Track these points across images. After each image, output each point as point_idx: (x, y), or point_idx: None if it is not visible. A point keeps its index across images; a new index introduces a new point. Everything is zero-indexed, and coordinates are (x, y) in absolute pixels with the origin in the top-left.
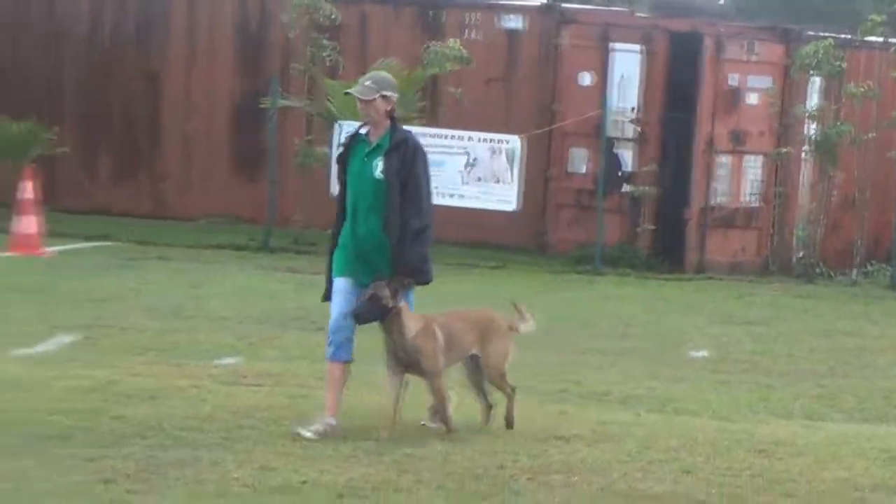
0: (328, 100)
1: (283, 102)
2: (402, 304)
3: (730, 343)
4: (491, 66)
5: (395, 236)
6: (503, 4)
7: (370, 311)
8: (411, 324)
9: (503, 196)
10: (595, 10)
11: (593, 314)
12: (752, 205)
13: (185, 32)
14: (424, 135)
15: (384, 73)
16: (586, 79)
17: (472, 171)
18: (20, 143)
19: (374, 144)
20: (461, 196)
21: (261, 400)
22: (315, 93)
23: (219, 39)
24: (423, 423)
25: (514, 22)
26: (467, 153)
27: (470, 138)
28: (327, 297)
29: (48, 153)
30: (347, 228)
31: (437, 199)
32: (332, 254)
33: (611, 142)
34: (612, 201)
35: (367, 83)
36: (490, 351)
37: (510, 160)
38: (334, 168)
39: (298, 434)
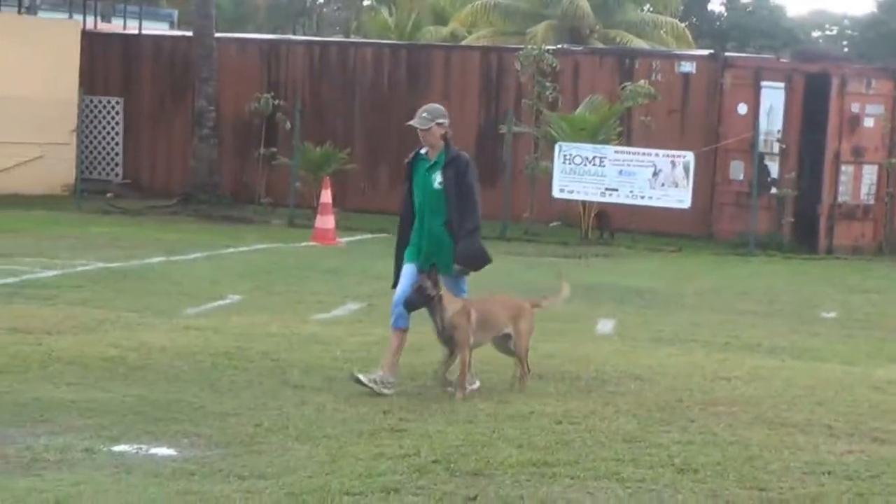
0: (549, 126)
1: (516, 129)
2: (443, 291)
3: (853, 306)
4: (671, 100)
5: (455, 235)
6: (680, 54)
7: (418, 300)
8: (450, 306)
9: (680, 197)
10: (749, 57)
11: (748, 285)
12: (868, 202)
13: (442, 77)
14: (622, 152)
15: (436, 105)
16: (743, 109)
17: (657, 179)
18: (320, 162)
19: (432, 161)
20: (649, 198)
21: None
22: (540, 122)
23: (468, 82)
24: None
25: (688, 67)
26: (653, 165)
27: (655, 154)
28: (395, 284)
29: (341, 169)
30: (416, 228)
31: (629, 201)
32: (398, 249)
33: (761, 156)
34: (762, 200)
35: (424, 115)
36: (519, 330)
37: (685, 170)
38: (558, 175)
39: (356, 377)
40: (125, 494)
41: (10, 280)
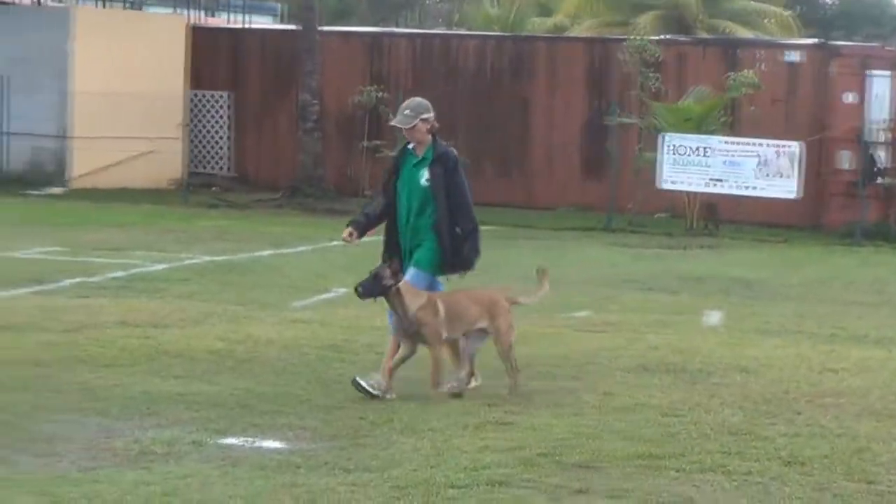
0: (654, 118)
1: (621, 120)
2: (403, 282)
3: None
4: (776, 89)
5: (445, 234)
6: (785, 43)
7: (371, 288)
8: (414, 300)
9: (787, 187)
10: (856, 45)
11: (855, 276)
12: None
13: (546, 68)
14: (727, 142)
15: (419, 99)
16: (849, 97)
17: (763, 169)
18: None
19: (419, 157)
20: (754, 188)
21: (604, 343)
22: (644, 112)
23: (572, 73)
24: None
25: (794, 56)
26: (758, 156)
27: (760, 144)
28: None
29: None
30: (400, 225)
31: (735, 192)
32: (387, 245)
33: (869, 145)
34: (870, 190)
35: (406, 112)
36: (497, 327)
37: (792, 160)
38: (663, 166)
39: (356, 380)
40: (231, 487)
41: (119, 274)
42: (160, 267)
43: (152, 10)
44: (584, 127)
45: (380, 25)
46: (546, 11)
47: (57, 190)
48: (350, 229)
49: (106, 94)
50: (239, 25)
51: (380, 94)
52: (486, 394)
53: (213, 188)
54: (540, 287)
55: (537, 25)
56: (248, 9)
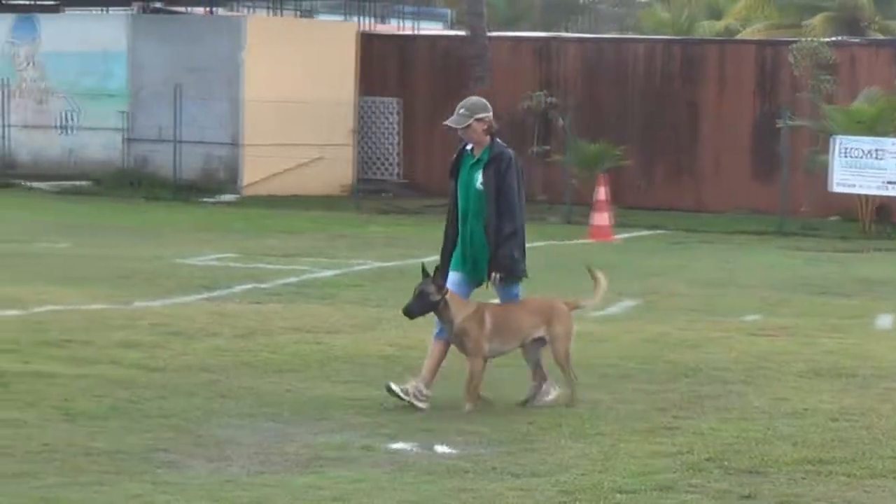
0: (826, 120)
1: (792, 123)
2: (449, 294)
3: None
4: None
5: (491, 239)
6: None
7: (419, 306)
8: (460, 311)
9: None
10: None
11: None
12: None
13: (716, 71)
14: None
15: (475, 99)
16: None
17: None
18: (595, 158)
19: (476, 159)
20: None
21: (776, 347)
22: (817, 115)
23: (742, 76)
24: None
25: None
26: None
27: None
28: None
29: (616, 165)
30: (460, 231)
31: None
32: (443, 253)
33: None
34: None
35: (461, 111)
36: (554, 333)
37: None
38: (836, 169)
39: (389, 386)
40: (401, 492)
41: (291, 280)
42: (331, 273)
43: (323, 17)
44: (753, 130)
45: (551, 30)
46: (716, 14)
47: (229, 197)
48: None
49: (277, 101)
50: (409, 32)
51: (550, 100)
52: (654, 398)
53: (384, 194)
54: (597, 285)
55: (707, 29)
56: (418, 15)
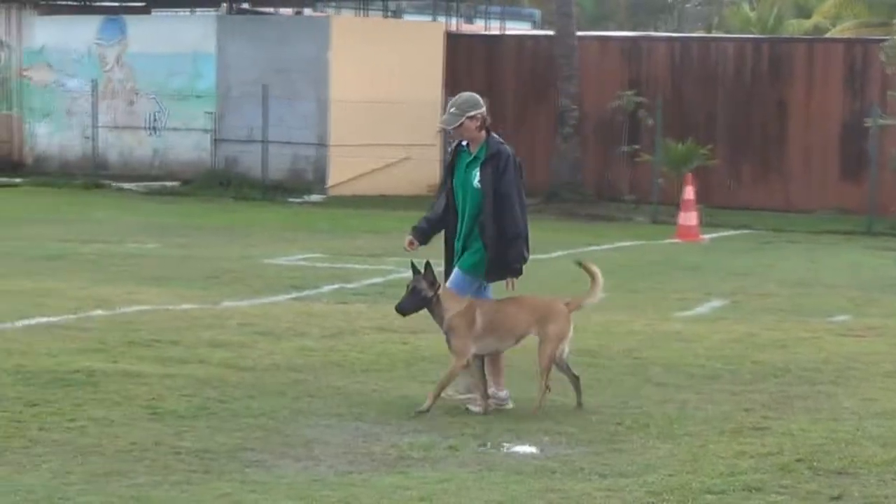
0: None
1: (881, 121)
2: (444, 289)
3: None
4: None
5: (489, 240)
6: None
7: (412, 303)
8: (452, 307)
9: None
10: None
11: None
12: None
13: (804, 70)
14: None
15: (466, 95)
16: None
17: None
18: (683, 158)
19: (472, 156)
20: None
21: (865, 347)
22: None
23: (831, 74)
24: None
25: None
26: None
27: None
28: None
29: (703, 164)
30: (456, 228)
31: None
32: (446, 251)
33: None
34: None
35: (452, 111)
36: (545, 333)
37: None
38: None
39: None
40: (487, 492)
41: (377, 280)
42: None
43: (410, 18)
44: (842, 129)
45: (638, 30)
46: (804, 13)
47: (316, 197)
48: (410, 237)
49: (364, 102)
50: (496, 32)
51: (638, 99)
52: (742, 399)
53: None
54: (594, 281)
55: (795, 27)
56: (505, 15)
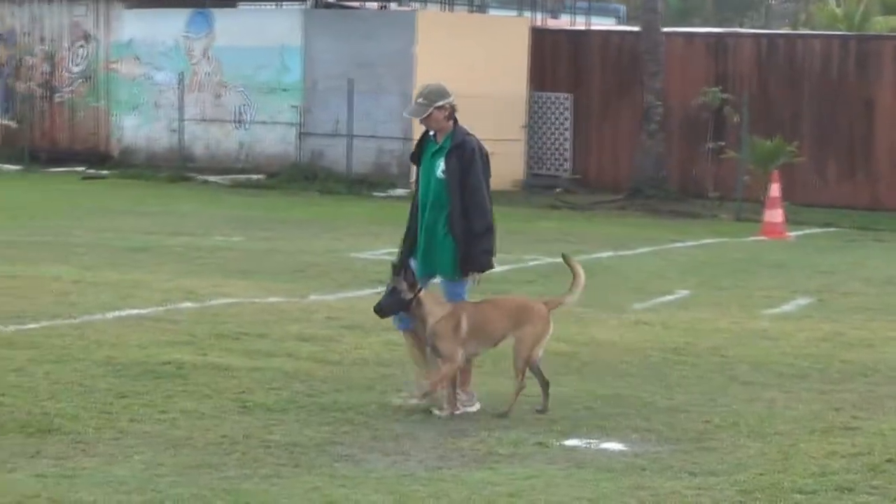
0: None
1: None
2: (423, 292)
3: None
4: None
5: (459, 234)
6: None
7: (391, 304)
8: (436, 310)
9: None
10: None
11: None
12: None
13: (892, 67)
14: None
15: (433, 85)
16: None
17: None
18: (769, 155)
19: (438, 146)
20: None
21: None
22: None
23: None
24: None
25: None
26: None
27: None
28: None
29: (789, 162)
30: (418, 220)
31: None
32: (404, 242)
33: None
34: None
35: (420, 100)
36: (522, 334)
37: None
38: None
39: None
40: (577, 489)
41: None
42: (503, 268)
43: (495, 12)
44: None
45: (723, 26)
46: (891, 10)
47: (400, 191)
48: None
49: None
50: (581, 27)
51: (724, 96)
52: (831, 398)
53: (556, 189)
54: (575, 277)
55: (882, 24)
56: (590, 10)
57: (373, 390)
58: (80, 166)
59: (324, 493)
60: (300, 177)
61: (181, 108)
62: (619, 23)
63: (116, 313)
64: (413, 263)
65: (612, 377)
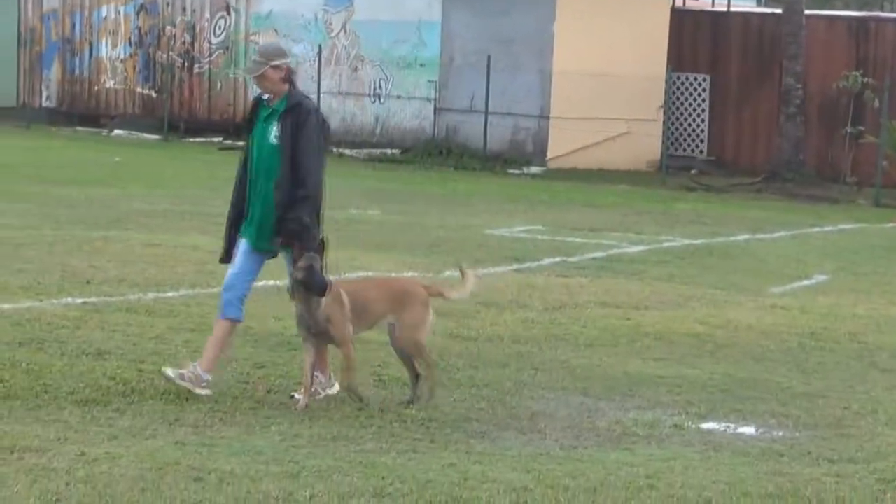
0: None
1: None
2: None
3: None
4: None
5: (281, 202)
6: None
7: (317, 282)
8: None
9: None
10: None
11: None
12: None
13: None
14: None
15: (271, 44)
16: None
17: None
18: None
19: (271, 109)
20: None
21: None
22: None
23: None
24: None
25: None
26: None
27: None
28: (225, 258)
29: None
30: (248, 192)
31: None
32: (230, 218)
33: None
34: None
35: (255, 58)
36: (402, 321)
37: None
38: None
39: (162, 371)
40: (714, 472)
41: (598, 254)
42: (638, 248)
43: None
44: None
45: (865, 9)
46: None
47: (535, 169)
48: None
49: (586, 74)
50: (722, 8)
51: (865, 80)
52: None
53: (691, 171)
54: (466, 280)
55: None
56: None
57: (508, 367)
58: (216, 137)
59: (460, 470)
60: (435, 152)
61: (318, 82)
62: (759, 4)
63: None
64: (244, 243)
65: (749, 361)
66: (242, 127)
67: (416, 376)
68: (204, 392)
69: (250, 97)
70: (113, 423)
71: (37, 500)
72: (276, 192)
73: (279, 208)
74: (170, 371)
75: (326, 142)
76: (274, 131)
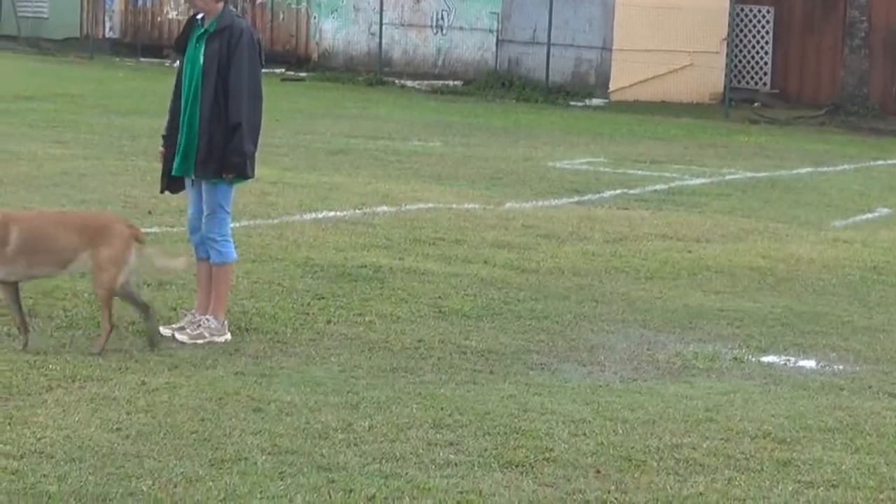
0: None
1: None
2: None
3: None
4: None
5: (205, 127)
6: None
7: None
8: None
9: None
10: None
11: None
12: None
13: None
14: None
15: None
16: None
17: None
18: None
19: (203, 30)
20: None
21: None
22: None
23: None
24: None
25: None
26: None
27: None
28: (162, 188)
29: None
30: (179, 117)
31: None
32: (165, 146)
33: None
34: None
35: None
36: (97, 259)
37: None
38: None
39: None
40: (773, 406)
41: (660, 187)
42: (700, 181)
43: None
44: None
45: None
46: None
47: (597, 101)
48: (161, 147)
49: (649, 6)
50: None
51: None
52: None
53: (755, 104)
54: (173, 258)
55: None
56: None
57: (568, 300)
58: (279, 68)
59: (519, 401)
60: (497, 84)
61: (381, 13)
62: None
63: (314, 215)
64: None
65: (810, 294)
66: (174, 49)
67: (144, 307)
68: (223, 339)
69: (312, 29)
70: (173, 352)
71: (97, 429)
72: (201, 117)
73: (204, 135)
74: (166, 330)
75: (259, 63)
76: (203, 52)
